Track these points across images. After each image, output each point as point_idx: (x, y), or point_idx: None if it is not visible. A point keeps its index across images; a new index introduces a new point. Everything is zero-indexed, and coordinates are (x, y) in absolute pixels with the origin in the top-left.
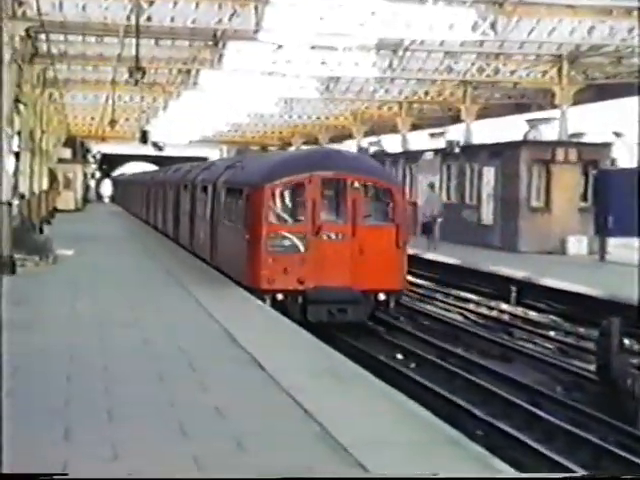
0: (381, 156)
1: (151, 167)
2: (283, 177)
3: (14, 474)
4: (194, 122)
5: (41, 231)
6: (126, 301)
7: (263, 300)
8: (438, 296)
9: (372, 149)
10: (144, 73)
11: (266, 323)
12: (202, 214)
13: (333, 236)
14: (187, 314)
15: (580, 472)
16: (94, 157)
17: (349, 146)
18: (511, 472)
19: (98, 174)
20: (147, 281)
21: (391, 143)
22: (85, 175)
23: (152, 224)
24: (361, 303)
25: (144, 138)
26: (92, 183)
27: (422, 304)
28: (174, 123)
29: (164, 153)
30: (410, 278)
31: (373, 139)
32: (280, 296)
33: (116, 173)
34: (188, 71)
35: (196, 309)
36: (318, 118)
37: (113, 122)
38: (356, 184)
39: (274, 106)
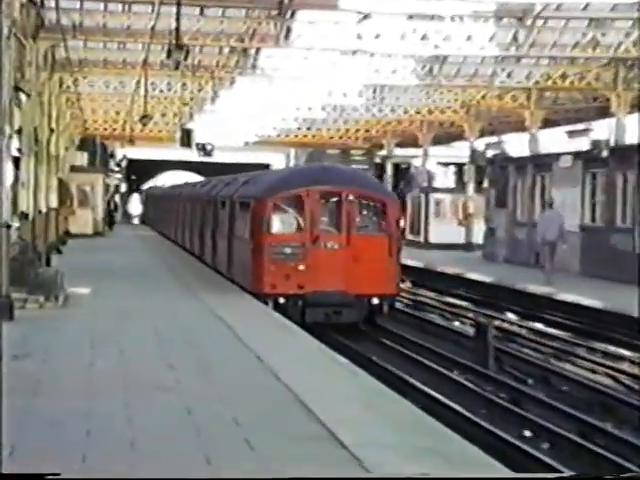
0: (502, 162)
1: (195, 177)
2: (283, 191)
3: (12, 474)
4: (252, 118)
5: (48, 263)
6: (160, 355)
7: (266, 303)
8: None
9: (490, 153)
10: (187, 53)
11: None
12: (221, 229)
13: (330, 245)
14: (245, 376)
15: (570, 472)
16: (119, 164)
17: (459, 149)
18: (506, 472)
19: (124, 187)
20: (189, 330)
21: (516, 145)
22: (107, 188)
23: (190, 250)
24: (355, 306)
25: (186, 139)
26: (116, 198)
27: (561, 362)
28: (226, 119)
29: (212, 159)
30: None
31: (492, 140)
32: (281, 300)
33: (148, 185)
34: (244, 50)
35: (260, 372)
36: (418, 112)
37: (145, 118)
38: (351, 197)
39: (358, 96)
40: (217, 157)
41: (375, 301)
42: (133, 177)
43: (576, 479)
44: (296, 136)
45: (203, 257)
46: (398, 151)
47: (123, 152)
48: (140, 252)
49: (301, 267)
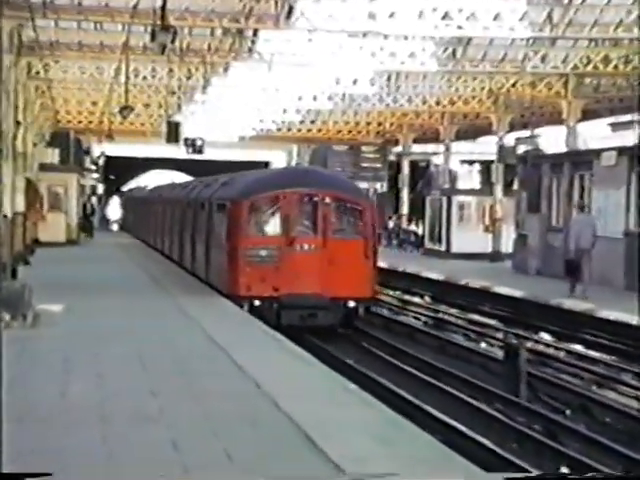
0: (535, 159)
1: (183, 177)
2: (260, 192)
3: (12, 474)
4: (249, 109)
5: (14, 275)
6: (142, 381)
7: (241, 306)
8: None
9: (521, 149)
10: (174, 35)
11: None
12: (200, 233)
13: (305, 247)
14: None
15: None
16: (96, 163)
17: (486, 144)
18: (494, 474)
19: (102, 188)
20: (175, 351)
21: (551, 140)
22: (83, 190)
23: (170, 257)
24: (330, 309)
25: (173, 134)
26: (93, 202)
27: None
28: (219, 111)
29: (203, 156)
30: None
31: (523, 134)
32: (257, 302)
33: (129, 187)
34: (240, 32)
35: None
36: (438, 103)
37: (126, 110)
38: (327, 200)
39: (370, 84)
40: (209, 154)
41: (351, 304)
42: (112, 177)
43: (565, 479)
44: (299, 130)
45: (182, 263)
46: (416, 147)
47: (100, 148)
48: (119, 262)
49: (277, 269)
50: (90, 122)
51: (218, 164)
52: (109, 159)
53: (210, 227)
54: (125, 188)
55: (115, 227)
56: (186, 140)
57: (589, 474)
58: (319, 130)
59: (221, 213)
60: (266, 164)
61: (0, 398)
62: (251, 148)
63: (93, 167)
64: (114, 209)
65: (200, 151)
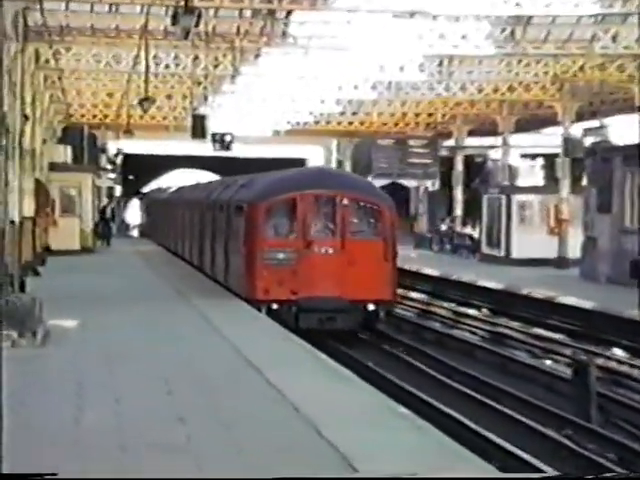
0: (606, 152)
1: (210, 177)
2: (277, 195)
3: (12, 474)
4: (282, 101)
5: (22, 288)
6: (167, 405)
7: (259, 310)
8: None
9: (590, 141)
10: (199, 17)
11: None
12: (219, 236)
13: (323, 250)
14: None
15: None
16: (113, 162)
17: (550, 136)
18: (496, 473)
19: (120, 190)
20: (203, 373)
21: (624, 130)
22: (98, 192)
23: (190, 261)
24: (350, 312)
25: (199, 129)
26: (112, 205)
27: None
28: (249, 103)
29: (233, 153)
30: None
31: (592, 124)
32: (275, 305)
33: (150, 188)
34: (272, 13)
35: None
36: (495, 91)
37: (146, 102)
38: (345, 201)
39: (419, 70)
40: (239, 151)
41: (371, 307)
42: (131, 177)
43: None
44: (339, 123)
45: (203, 267)
46: (471, 140)
47: (118, 145)
48: (139, 272)
49: (295, 272)
50: (106, 116)
51: (249, 162)
52: (128, 157)
53: (229, 230)
54: (146, 189)
55: (135, 233)
56: (214, 135)
57: (606, 474)
58: (362, 123)
59: (239, 216)
60: (302, 162)
61: (0, 401)
62: (286, 143)
63: (110, 166)
64: (134, 213)
65: (229, 147)
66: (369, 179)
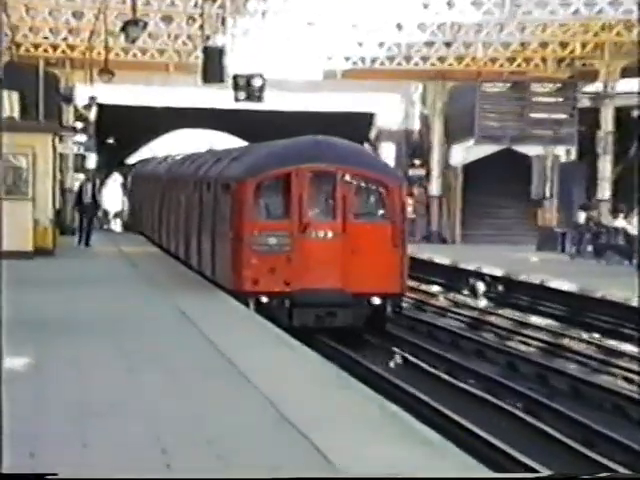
0: None
1: (228, 141)
2: (268, 170)
3: (12, 474)
4: (338, 26)
5: None
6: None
7: (247, 304)
8: None
9: None
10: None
11: None
12: (205, 220)
13: (322, 234)
14: None
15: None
16: (83, 117)
17: None
18: (489, 473)
19: (93, 160)
20: (210, 431)
21: None
22: (62, 162)
23: (175, 254)
24: (352, 306)
25: (214, 68)
26: (88, 183)
27: None
28: (288, 31)
29: (264, 105)
30: None
31: None
32: (264, 299)
33: (140, 157)
34: None
35: None
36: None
37: (133, 26)
38: (347, 177)
39: None
40: (273, 102)
41: (376, 301)
42: (110, 141)
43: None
44: (425, 60)
45: (189, 261)
46: (624, 84)
47: (91, 93)
48: (122, 284)
49: (288, 260)
50: (72, 48)
51: (288, 118)
52: (105, 111)
53: (215, 214)
54: (132, 160)
55: (116, 225)
56: (236, 79)
57: (600, 474)
58: (459, 59)
59: (225, 195)
60: (368, 118)
61: (0, 401)
62: (344, 90)
63: (79, 124)
64: (114, 195)
65: (259, 97)
66: (470, 143)
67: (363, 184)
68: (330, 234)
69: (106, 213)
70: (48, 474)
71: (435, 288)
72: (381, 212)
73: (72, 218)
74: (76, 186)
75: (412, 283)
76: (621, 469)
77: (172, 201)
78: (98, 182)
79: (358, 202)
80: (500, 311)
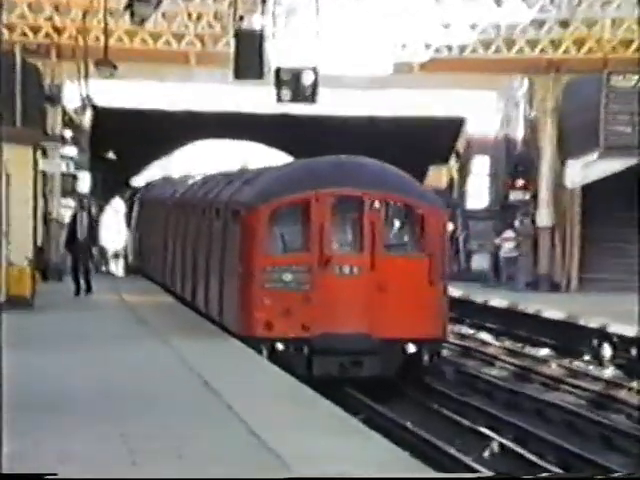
0: None
1: (274, 157)
2: (283, 195)
3: (12, 474)
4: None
5: None
6: None
7: (259, 351)
8: None
9: None
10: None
11: None
12: (214, 253)
13: (346, 270)
14: None
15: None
16: (74, 124)
17: None
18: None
19: (87, 180)
20: None
21: None
22: (46, 183)
23: (181, 296)
24: (381, 354)
25: (249, 60)
26: (69, 212)
27: None
28: (346, 10)
29: (317, 108)
30: None
31: None
32: (280, 346)
33: (149, 177)
34: None
35: None
36: None
37: (140, 4)
38: (376, 204)
39: None
40: (328, 104)
41: (411, 348)
42: (110, 156)
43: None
44: (531, 44)
45: (195, 302)
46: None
47: (83, 91)
48: (124, 348)
49: (307, 300)
50: (60, 31)
51: (346, 125)
52: (103, 115)
53: (225, 245)
54: (139, 181)
55: (117, 266)
56: (279, 74)
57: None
58: (579, 43)
59: (235, 224)
60: (457, 124)
61: (0, 401)
62: (423, 88)
63: (68, 133)
64: (114, 228)
65: (310, 97)
66: (593, 157)
67: (395, 211)
68: (356, 269)
69: (103, 252)
70: (48, 474)
71: (544, 352)
72: (416, 244)
73: (59, 257)
74: (66, 216)
75: (511, 345)
76: None
77: (180, 233)
78: (95, 211)
79: (389, 232)
80: (634, 384)
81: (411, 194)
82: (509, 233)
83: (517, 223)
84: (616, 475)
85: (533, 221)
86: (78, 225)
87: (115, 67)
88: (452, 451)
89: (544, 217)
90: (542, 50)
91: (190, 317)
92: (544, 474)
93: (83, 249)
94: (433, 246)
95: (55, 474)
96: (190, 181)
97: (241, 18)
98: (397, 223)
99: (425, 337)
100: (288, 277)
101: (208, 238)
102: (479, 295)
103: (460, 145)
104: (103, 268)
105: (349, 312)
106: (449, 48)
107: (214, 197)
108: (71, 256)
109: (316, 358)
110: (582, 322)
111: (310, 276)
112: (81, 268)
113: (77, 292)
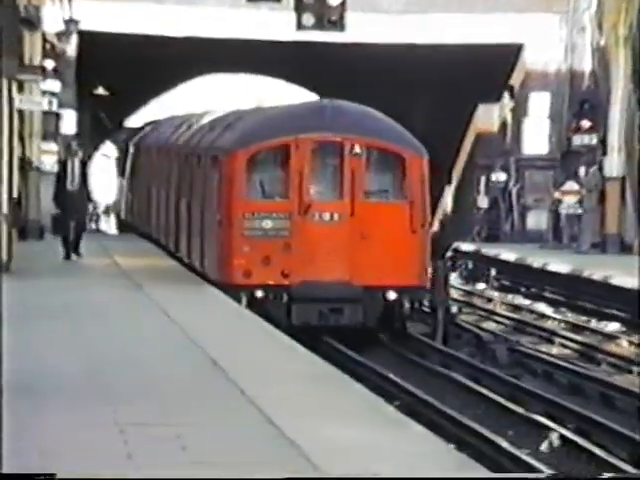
0: None
1: (293, 94)
2: (262, 140)
3: (12, 474)
4: None
5: None
6: None
7: (238, 299)
8: None
9: None
10: None
11: None
12: (195, 201)
13: (326, 216)
14: None
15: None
16: (56, 52)
17: None
18: (489, 473)
19: (73, 121)
20: None
21: None
22: (23, 124)
23: (166, 247)
24: (362, 302)
25: None
26: (55, 159)
27: None
28: None
29: (346, 36)
30: None
31: None
32: (260, 293)
33: (145, 118)
34: None
35: None
36: None
37: None
38: (357, 149)
39: None
40: (359, 31)
41: (392, 296)
42: (99, 92)
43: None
44: None
45: (178, 253)
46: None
47: (67, 13)
48: (116, 323)
49: (287, 247)
50: None
51: (381, 56)
52: (91, 41)
53: (205, 193)
54: (133, 122)
55: (109, 223)
56: None
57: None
58: None
59: (214, 170)
60: (512, 51)
61: (0, 402)
62: (470, 10)
63: (49, 63)
64: (104, 178)
65: (338, 23)
66: None
67: (376, 157)
68: (336, 216)
69: (93, 206)
70: (48, 474)
71: (613, 326)
72: (397, 190)
73: (40, 211)
74: (47, 163)
75: (574, 318)
76: None
77: (164, 182)
78: (79, 156)
79: (370, 178)
80: None
81: (392, 139)
82: (572, 185)
83: (581, 173)
84: (624, 475)
85: (600, 170)
86: (68, 174)
87: None
88: (505, 444)
89: (614, 166)
90: None
91: (192, 281)
92: (548, 473)
93: (75, 203)
94: (415, 193)
95: (55, 474)
96: (184, 123)
97: None
98: (378, 169)
99: (405, 284)
100: (267, 224)
101: (189, 186)
102: (536, 259)
103: (515, 79)
104: (93, 225)
105: (329, 260)
106: None
107: (196, 142)
108: (60, 211)
109: (295, 306)
110: None
111: (290, 223)
112: (70, 224)
113: (68, 255)
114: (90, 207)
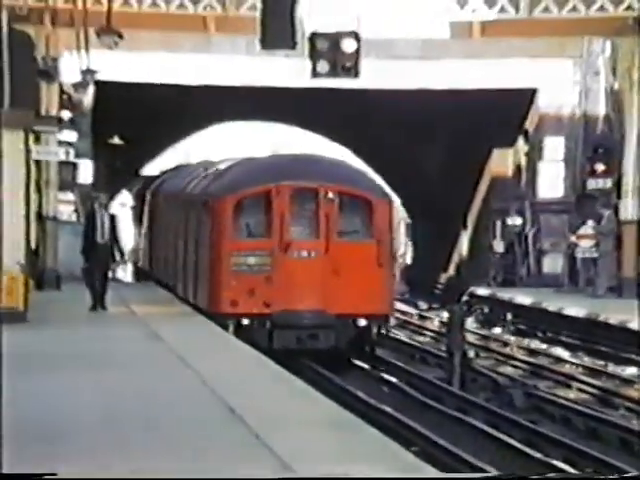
0: None
1: (308, 140)
2: (247, 187)
3: (12, 474)
4: None
5: None
6: None
7: (226, 327)
8: None
9: None
10: None
11: None
12: (190, 240)
13: (304, 253)
14: None
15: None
16: (73, 103)
17: None
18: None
19: (89, 170)
20: None
21: None
22: (39, 174)
23: (166, 283)
24: (335, 328)
25: (279, 25)
26: (102, 207)
27: None
28: None
29: (360, 82)
30: None
31: None
32: (245, 321)
33: (162, 166)
34: None
35: None
36: None
37: None
38: (330, 195)
39: None
40: (373, 77)
41: (362, 322)
42: (115, 141)
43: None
44: (615, 0)
45: (176, 289)
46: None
47: (84, 64)
48: (135, 372)
49: (269, 280)
50: None
51: (396, 102)
52: (107, 91)
53: (198, 233)
54: (149, 170)
55: (125, 271)
56: (314, 41)
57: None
58: None
59: (205, 213)
60: (526, 96)
61: (0, 402)
62: (485, 55)
63: (66, 114)
64: (122, 226)
65: (352, 70)
66: None
67: (348, 202)
68: (313, 253)
69: (109, 251)
70: (48, 474)
71: (631, 371)
72: (366, 231)
73: (57, 261)
74: (64, 213)
75: (591, 363)
76: None
77: (171, 227)
78: (95, 204)
79: (342, 220)
80: None
81: (362, 186)
82: (587, 229)
83: (597, 217)
84: (625, 475)
85: (616, 214)
86: (98, 227)
87: (120, 36)
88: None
89: (629, 209)
90: (628, 7)
91: (213, 333)
92: (551, 474)
93: (105, 255)
94: (381, 233)
95: (55, 474)
96: (187, 172)
97: None
98: (349, 212)
99: (374, 312)
100: (252, 260)
101: (185, 228)
102: (552, 303)
103: (529, 124)
104: (113, 271)
105: (306, 291)
106: (515, 5)
107: (191, 190)
108: (88, 264)
109: (276, 332)
110: None
111: (271, 259)
112: (96, 276)
113: (94, 306)
114: (118, 257)
